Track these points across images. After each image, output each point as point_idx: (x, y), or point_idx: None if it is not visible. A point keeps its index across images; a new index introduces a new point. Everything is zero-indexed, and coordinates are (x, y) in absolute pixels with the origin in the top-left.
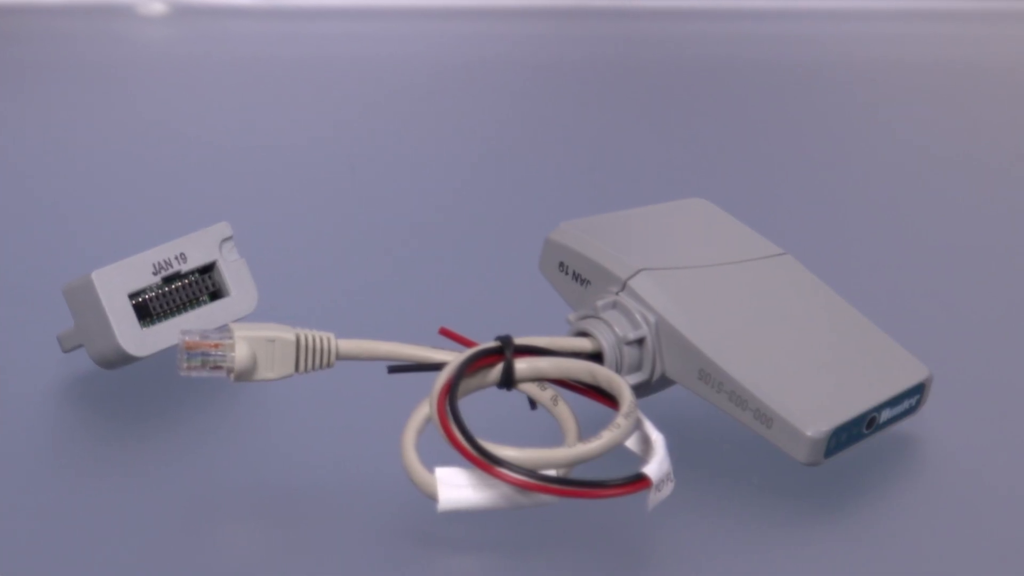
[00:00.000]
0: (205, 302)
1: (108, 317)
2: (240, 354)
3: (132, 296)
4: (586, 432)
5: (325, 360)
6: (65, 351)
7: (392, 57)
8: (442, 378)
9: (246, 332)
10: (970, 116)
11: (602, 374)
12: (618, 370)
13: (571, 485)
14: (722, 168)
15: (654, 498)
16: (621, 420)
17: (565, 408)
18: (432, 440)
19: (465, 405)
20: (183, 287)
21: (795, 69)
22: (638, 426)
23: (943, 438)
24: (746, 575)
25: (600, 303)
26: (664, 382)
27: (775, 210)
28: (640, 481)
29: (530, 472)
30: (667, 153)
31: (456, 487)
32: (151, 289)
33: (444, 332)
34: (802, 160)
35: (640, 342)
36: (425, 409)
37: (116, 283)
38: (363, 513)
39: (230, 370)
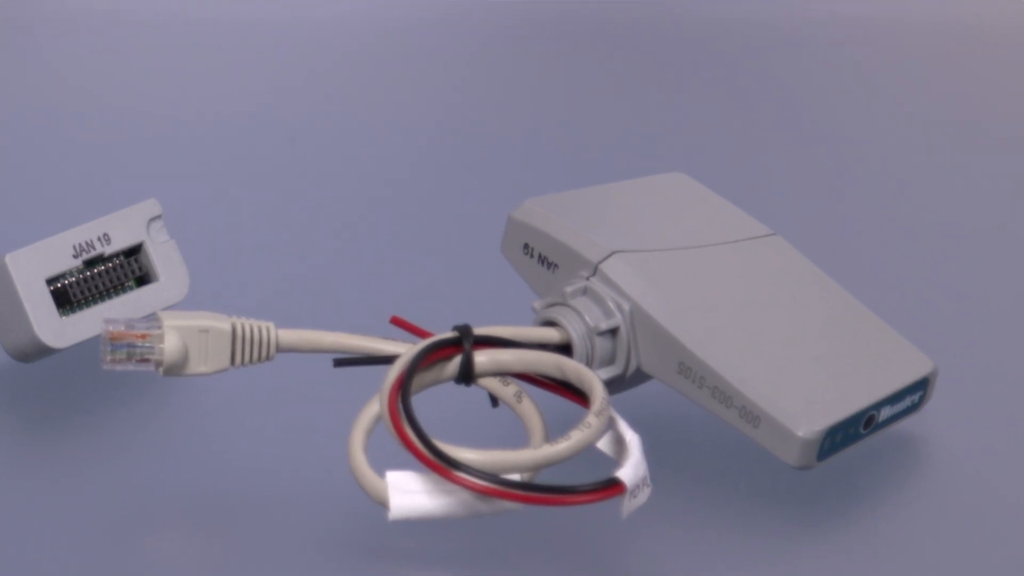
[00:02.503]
0: (131, 288)
1: (23, 305)
2: (170, 346)
3: (50, 281)
4: (553, 432)
5: (264, 352)
6: None
7: (339, 17)
8: (393, 372)
9: (176, 321)
10: (978, 80)
11: (571, 368)
12: (589, 363)
13: (536, 491)
14: (704, 139)
15: (629, 505)
16: (592, 419)
17: (530, 405)
18: (383, 441)
19: (419, 402)
20: (106, 271)
21: (784, 29)
22: (611, 425)
23: (949, 438)
24: None
25: (569, 289)
26: (640, 376)
27: (763, 185)
28: (613, 486)
29: (491, 476)
30: (643, 122)
31: (409, 493)
32: (71, 273)
33: (396, 321)
34: (793, 130)
35: (613, 332)
36: (375, 407)
37: (32, 267)
38: (306, 522)
39: (159, 363)
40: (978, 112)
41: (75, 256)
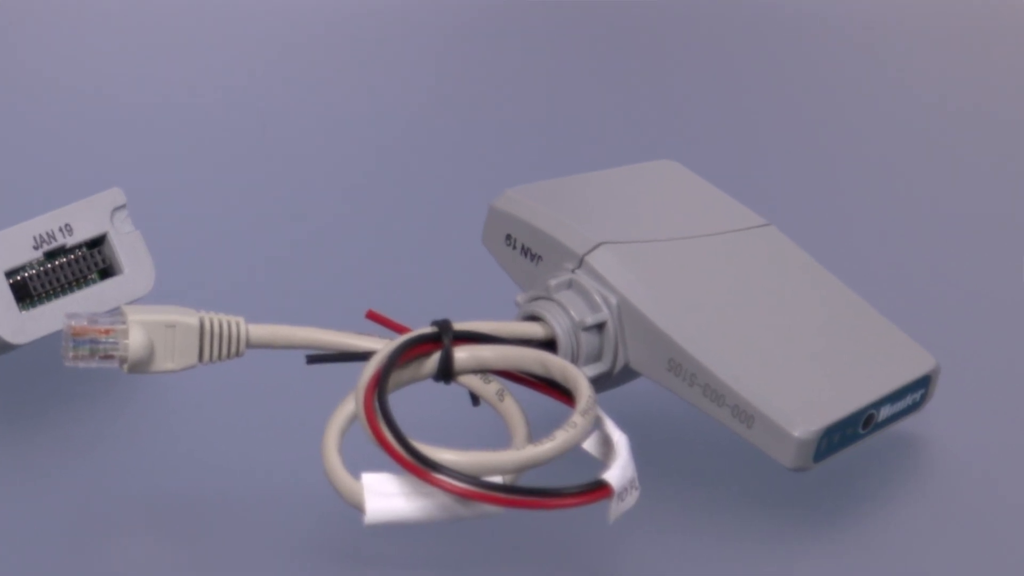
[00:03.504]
0: (94, 281)
1: None
2: (135, 341)
3: (9, 274)
4: (537, 432)
5: (234, 348)
6: None
7: None
8: (369, 369)
9: (142, 316)
10: (984, 64)
11: (556, 365)
12: (574, 360)
13: (519, 494)
14: (695, 125)
15: (616, 509)
16: (578, 418)
17: (512, 404)
18: (358, 442)
19: (396, 401)
20: (68, 263)
21: (780, 7)
22: (597, 425)
23: (952, 439)
24: None
25: (553, 282)
26: (628, 374)
27: (757, 173)
28: (600, 489)
29: (471, 478)
30: (631, 107)
31: (386, 496)
32: (31, 266)
33: (372, 316)
34: (789, 115)
35: (600, 327)
36: (350, 405)
37: None
38: (277, 526)
39: (123, 360)
40: (985, 97)
41: (35, 248)
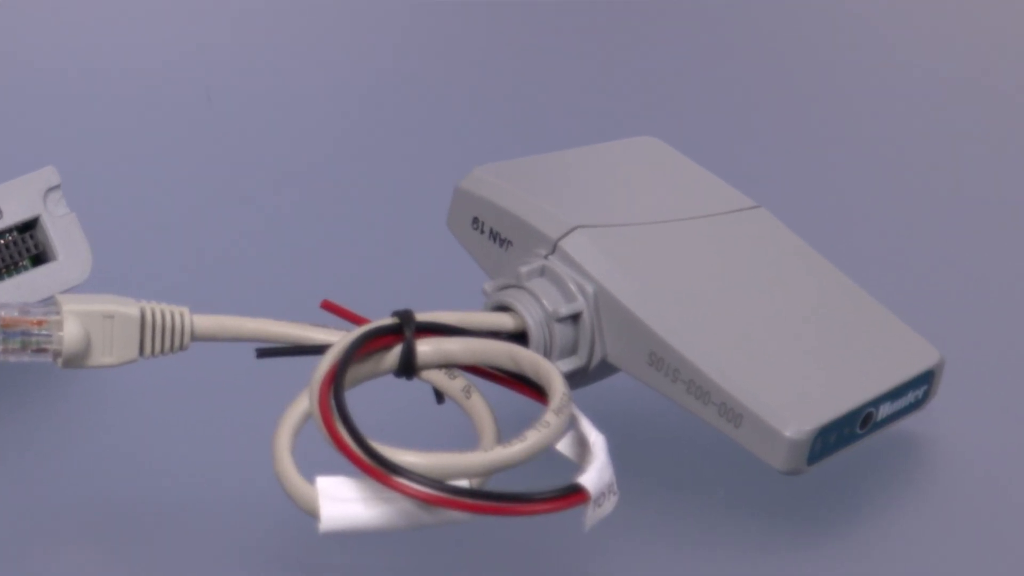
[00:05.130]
0: (25, 268)
1: None
2: (70, 333)
3: None
4: (506, 432)
5: (177, 341)
6: None
7: None
8: (324, 364)
9: (77, 306)
10: (992, 33)
11: (527, 359)
12: (547, 353)
13: (487, 499)
14: (678, 97)
15: (592, 516)
16: (551, 417)
17: (480, 402)
18: (313, 443)
19: (354, 398)
20: None
21: None
22: (572, 424)
23: (958, 438)
24: None
25: (524, 269)
26: (605, 369)
27: (746, 151)
28: (574, 494)
29: (435, 482)
30: (608, 79)
31: (342, 501)
32: None
33: (327, 306)
34: (780, 86)
35: (575, 318)
36: (304, 403)
37: None
38: (225, 535)
39: (57, 353)
40: (993, 67)
41: None
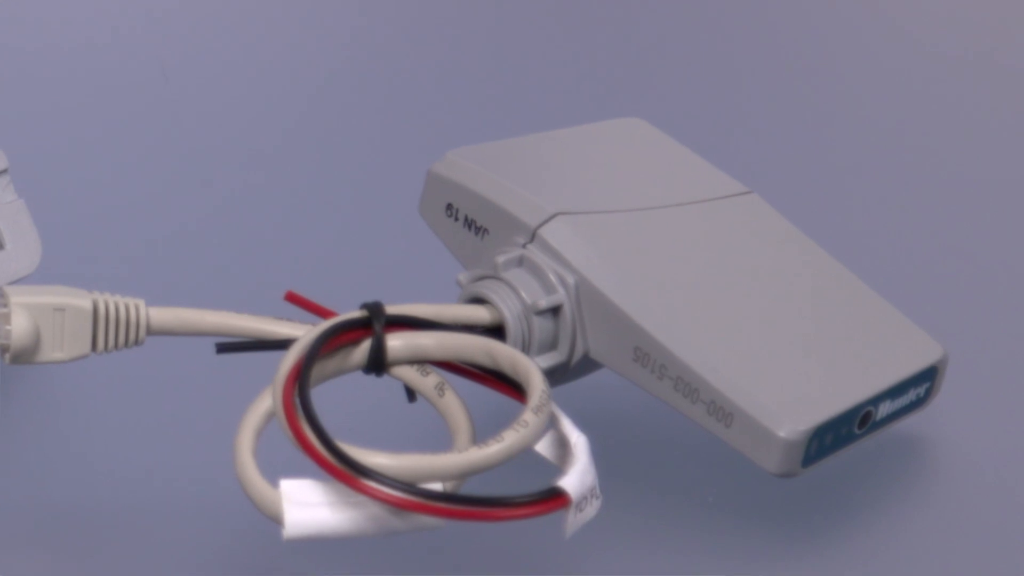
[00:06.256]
0: None
1: None
2: (18, 327)
3: None
4: (482, 432)
5: (132, 335)
6: None
7: None
8: (289, 360)
9: (26, 298)
10: (997, 7)
11: (504, 354)
12: (526, 349)
13: (463, 504)
14: (664, 77)
15: (574, 521)
16: (529, 416)
17: (454, 400)
18: (276, 443)
19: (319, 396)
20: None
21: None
22: (552, 424)
23: (961, 438)
24: None
25: (501, 259)
26: (588, 365)
27: (736, 133)
28: (555, 498)
29: (407, 486)
30: (591, 57)
31: (307, 506)
32: None
33: (291, 298)
34: (772, 65)
35: (555, 311)
36: (267, 401)
37: None
38: (184, 541)
39: (4, 348)
40: (999, 46)
41: None
